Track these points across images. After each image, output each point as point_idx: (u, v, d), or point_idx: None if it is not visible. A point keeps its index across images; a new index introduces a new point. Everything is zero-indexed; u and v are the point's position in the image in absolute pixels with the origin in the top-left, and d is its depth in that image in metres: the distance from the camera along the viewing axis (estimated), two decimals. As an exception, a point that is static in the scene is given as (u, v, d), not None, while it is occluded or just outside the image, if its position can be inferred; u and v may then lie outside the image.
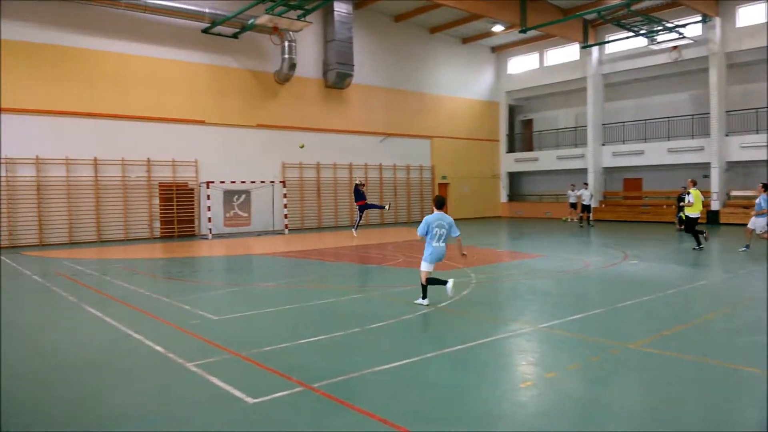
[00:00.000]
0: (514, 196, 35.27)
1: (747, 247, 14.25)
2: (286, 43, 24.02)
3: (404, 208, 29.81)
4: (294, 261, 14.28)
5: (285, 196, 24.25)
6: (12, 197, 19.01)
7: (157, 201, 21.88)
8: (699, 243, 15.11)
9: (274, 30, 22.55)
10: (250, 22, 22.02)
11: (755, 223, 14.17)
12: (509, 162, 34.50)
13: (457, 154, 32.11)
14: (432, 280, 8.39)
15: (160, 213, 22.00)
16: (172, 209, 22.27)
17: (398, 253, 15.62)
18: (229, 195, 23.37)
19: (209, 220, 21.85)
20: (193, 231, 22.90)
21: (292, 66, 24.40)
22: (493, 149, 34.50)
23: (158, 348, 6.30)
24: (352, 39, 26.20)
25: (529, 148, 34.81)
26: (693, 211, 15.09)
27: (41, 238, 19.48)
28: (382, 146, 28.71)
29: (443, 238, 8.38)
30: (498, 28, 29.07)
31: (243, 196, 23.90)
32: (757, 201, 14.11)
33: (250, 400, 4.68)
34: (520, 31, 26.21)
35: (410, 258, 14.39)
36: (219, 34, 23.21)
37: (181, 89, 22.45)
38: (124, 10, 20.58)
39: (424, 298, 8.40)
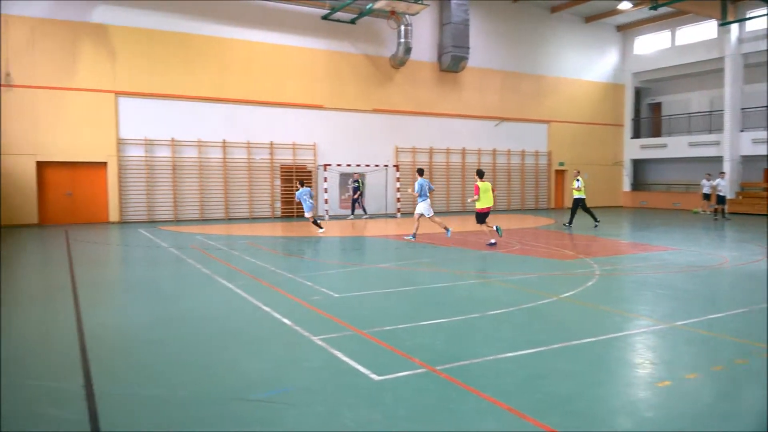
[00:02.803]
0: (638, 185, 33.22)
1: (413, 236, 14.49)
2: (402, 27, 24.07)
3: (518, 195, 29.04)
4: (407, 244, 14.35)
5: (398, 179, 24.45)
6: (151, 176, 20.69)
7: (278, 182, 22.92)
8: (596, 219, 18.53)
9: (391, 14, 22.63)
10: (368, 7, 22.26)
11: (421, 208, 14.22)
12: (634, 148, 32.47)
13: (576, 140, 30.72)
14: (315, 222, 16.96)
15: (281, 194, 23.02)
16: (292, 190, 23.19)
17: (513, 240, 15.23)
18: (344, 178, 23.95)
19: (326, 201, 22.54)
20: (310, 212, 23.71)
21: (408, 50, 24.42)
22: (617, 134, 32.61)
23: (286, 321, 6.56)
24: (468, 21, 25.74)
25: (657, 134, 32.54)
26: (579, 194, 18.24)
27: (176, 214, 21.09)
28: (496, 131, 28.09)
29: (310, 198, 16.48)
30: (625, 5, 27.27)
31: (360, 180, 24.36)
32: (416, 188, 14.26)
33: (375, 377, 4.74)
34: (650, 8, 24.51)
35: (527, 246, 13.97)
36: (338, 20, 23.70)
37: (301, 75, 23.23)
38: (251, -1, 21.59)
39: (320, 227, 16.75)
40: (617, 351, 5.66)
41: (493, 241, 13.64)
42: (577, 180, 18.30)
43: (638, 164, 33.37)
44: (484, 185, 13.62)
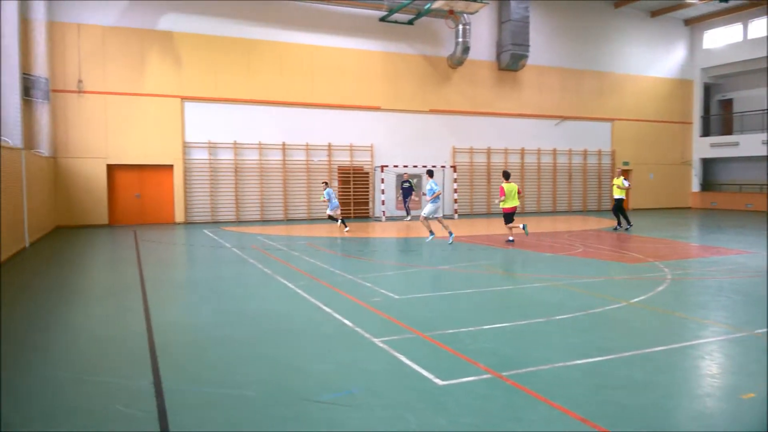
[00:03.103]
0: (707, 185, 31.71)
1: (451, 235, 14.34)
2: (461, 27, 23.84)
3: (579, 195, 28.25)
4: (467, 246, 14.17)
5: (455, 180, 24.21)
6: (214, 178, 21.27)
7: (336, 184, 23.10)
8: (621, 223, 17.97)
9: (450, 13, 22.45)
10: (426, 7, 22.16)
11: (428, 209, 14.26)
12: (703, 147, 31.01)
13: (641, 138, 29.61)
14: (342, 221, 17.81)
15: (339, 195, 23.21)
16: (349, 192, 23.36)
17: (576, 242, 14.79)
18: (401, 179, 23.90)
19: (383, 202, 22.55)
20: (368, 213, 23.84)
21: (466, 49, 24.18)
22: (685, 132, 31.24)
23: (347, 322, 6.56)
24: (528, 18, 25.26)
25: (728, 132, 30.96)
26: (619, 194, 17.70)
27: (238, 215, 21.60)
28: (557, 130, 27.42)
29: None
30: (694, -3, 26.17)
31: (414, 180, 24.29)
32: (428, 188, 14.33)
33: (439, 381, 4.65)
34: (721, 0, 23.29)
35: (591, 248, 13.54)
36: (395, 22, 23.71)
37: (359, 77, 23.36)
38: (309, 2, 21.85)
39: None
40: (694, 360, 5.37)
41: (511, 238, 14.58)
42: (625, 180, 17.93)
43: (708, 164, 31.87)
44: (509, 186, 14.34)
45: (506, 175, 14.62)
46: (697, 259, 11.98)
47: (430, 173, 15.02)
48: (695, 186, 31.50)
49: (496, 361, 5.14)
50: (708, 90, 31.90)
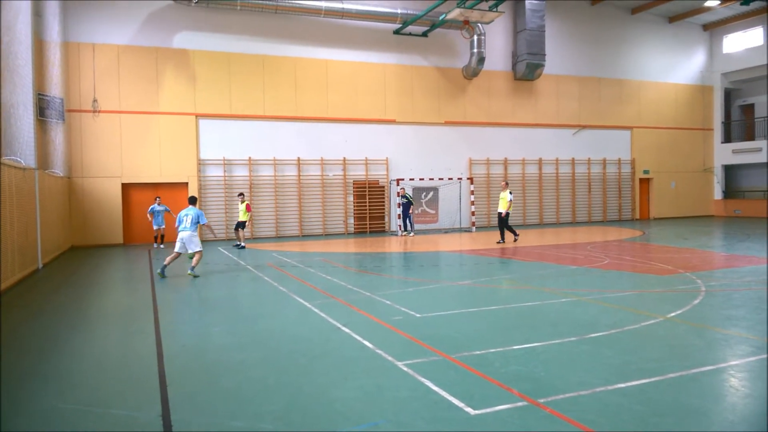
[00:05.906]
0: (730, 192, 30.96)
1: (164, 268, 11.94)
2: (475, 37, 23.58)
3: (599, 205, 27.68)
4: (486, 259, 13.77)
5: (472, 192, 23.82)
6: (229, 195, 21.09)
7: (351, 198, 22.83)
8: (506, 238, 18.02)
9: (465, 23, 22.19)
10: (441, 18, 21.94)
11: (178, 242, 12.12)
12: (725, 153, 30.30)
13: (662, 146, 29.02)
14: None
15: (354, 210, 22.92)
16: (365, 206, 23.06)
17: (601, 254, 14.31)
18: (417, 192, 23.59)
19: (399, 216, 22.19)
20: (384, 227, 23.49)
21: (481, 60, 23.89)
22: (706, 139, 30.58)
23: (367, 343, 6.20)
24: (543, 27, 24.90)
25: (750, 138, 30.26)
26: (504, 207, 17.73)
27: (253, 231, 21.36)
28: (575, 139, 26.95)
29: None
30: (713, 2, 25.68)
31: (431, 193, 23.99)
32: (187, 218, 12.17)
33: (470, 410, 4.27)
34: (742, 3, 22.89)
35: (619, 260, 13.06)
36: (409, 34, 23.53)
37: (373, 90, 23.15)
38: (324, 17, 21.74)
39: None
40: (748, 381, 4.92)
41: (242, 244, 18.02)
42: (510, 193, 17.76)
43: (730, 170, 31.13)
44: (244, 205, 18.27)
45: (242, 195, 18.65)
46: (730, 270, 11.46)
47: (192, 200, 12.43)
48: (718, 193, 30.77)
49: (531, 386, 4.75)
50: (728, 95, 31.28)
